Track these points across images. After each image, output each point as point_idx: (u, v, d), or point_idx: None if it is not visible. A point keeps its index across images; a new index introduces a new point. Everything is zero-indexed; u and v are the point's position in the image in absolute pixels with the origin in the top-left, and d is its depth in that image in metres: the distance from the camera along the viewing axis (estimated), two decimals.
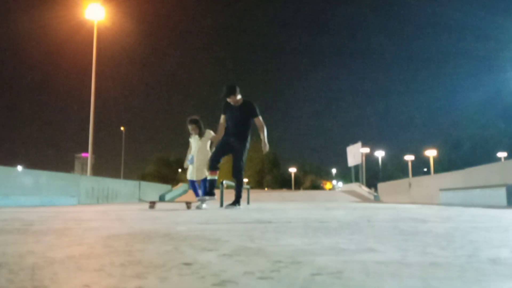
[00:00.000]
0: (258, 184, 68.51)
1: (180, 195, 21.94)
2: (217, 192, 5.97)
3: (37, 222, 2.68)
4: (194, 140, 6.16)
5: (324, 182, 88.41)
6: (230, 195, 6.13)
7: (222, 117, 5.85)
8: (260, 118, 5.78)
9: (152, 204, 5.73)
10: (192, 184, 6.25)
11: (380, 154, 58.84)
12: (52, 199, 9.79)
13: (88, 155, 18.91)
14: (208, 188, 5.78)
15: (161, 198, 18.71)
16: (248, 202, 9.25)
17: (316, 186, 79.10)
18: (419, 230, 2.00)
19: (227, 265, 0.95)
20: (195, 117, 6.19)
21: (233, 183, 6.09)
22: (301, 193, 32.94)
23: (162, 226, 2.27)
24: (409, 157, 53.72)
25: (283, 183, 77.26)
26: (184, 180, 6.43)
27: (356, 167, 43.12)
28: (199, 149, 6.05)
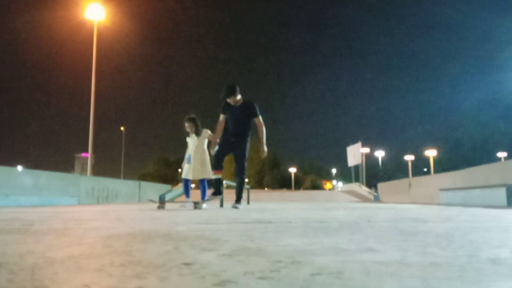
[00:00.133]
0: (258, 184, 68.53)
1: (180, 195, 21.94)
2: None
3: (37, 222, 2.68)
4: (191, 139, 6.14)
5: (324, 182, 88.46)
6: (230, 195, 6.14)
7: (222, 116, 5.85)
8: (260, 118, 5.78)
9: (162, 204, 5.74)
10: (186, 183, 6.24)
11: (380, 154, 58.91)
12: (52, 199, 9.79)
13: (88, 155, 18.91)
14: (214, 187, 5.81)
15: (161, 198, 18.71)
16: (248, 202, 9.25)
17: (316, 186, 79.13)
18: (419, 230, 2.00)
19: (227, 265, 0.95)
20: (192, 115, 6.18)
21: (232, 183, 6.09)
22: (301, 193, 32.96)
23: (162, 226, 2.27)
24: (409, 157, 53.72)
25: (283, 183, 77.28)
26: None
27: (356, 167, 43.18)
28: (196, 148, 6.02)
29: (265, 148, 5.93)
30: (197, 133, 6.03)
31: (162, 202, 5.76)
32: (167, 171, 70.38)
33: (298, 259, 1.03)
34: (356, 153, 42.40)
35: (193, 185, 6.80)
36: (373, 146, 59.78)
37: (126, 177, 50.98)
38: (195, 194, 6.41)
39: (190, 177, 5.98)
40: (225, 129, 5.87)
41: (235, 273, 0.86)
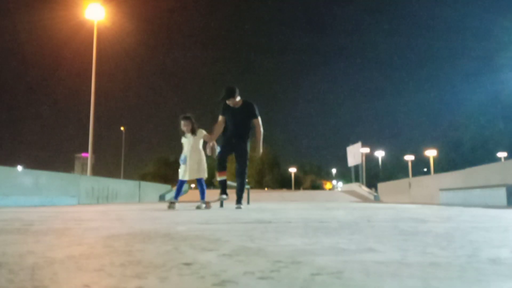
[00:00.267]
0: (258, 184, 68.53)
1: (180, 195, 21.92)
2: (216, 192, 5.99)
3: (37, 222, 2.68)
4: (186, 140, 6.12)
5: (324, 182, 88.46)
6: (230, 195, 6.13)
7: (221, 118, 5.84)
8: (259, 119, 5.79)
9: (172, 204, 5.75)
10: (180, 185, 6.23)
11: (380, 154, 58.94)
12: (52, 199, 9.79)
13: (88, 155, 18.91)
14: (221, 189, 5.81)
15: (161, 198, 18.72)
16: (248, 202, 9.25)
17: (316, 186, 79.15)
18: (419, 230, 2.00)
19: (227, 265, 0.95)
20: (188, 114, 6.18)
21: (233, 183, 6.09)
22: (301, 193, 32.96)
23: (162, 226, 2.27)
24: (409, 157, 53.80)
25: (283, 183, 77.31)
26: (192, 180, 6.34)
27: (356, 167, 43.14)
28: (192, 148, 6.01)
29: (261, 149, 5.95)
30: (193, 132, 6.00)
31: (172, 202, 5.79)
32: (167, 171, 70.32)
33: (298, 259, 1.03)
34: (356, 153, 42.38)
35: (193, 185, 6.79)
36: (373, 146, 59.90)
37: (126, 177, 51.06)
38: (195, 194, 6.41)
39: (186, 178, 5.96)
40: (225, 130, 5.86)
41: (235, 273, 0.86)
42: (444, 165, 47.79)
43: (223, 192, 5.79)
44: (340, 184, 69.79)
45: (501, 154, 48.74)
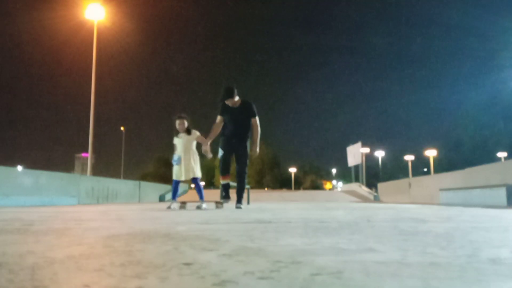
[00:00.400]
0: (258, 184, 68.50)
1: (180, 195, 21.95)
2: (216, 192, 6.00)
3: (37, 222, 2.68)
4: (179, 140, 6.11)
5: (324, 182, 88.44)
6: (230, 195, 6.13)
7: (219, 118, 5.83)
8: (257, 118, 5.79)
9: (183, 204, 5.76)
10: (176, 186, 6.24)
11: (380, 154, 58.86)
12: (52, 199, 9.79)
13: (88, 155, 18.91)
14: (224, 192, 5.81)
15: (161, 198, 18.73)
16: (248, 202, 9.25)
17: (316, 186, 79.10)
18: (419, 230, 2.00)
19: (227, 265, 0.95)
20: (183, 114, 6.19)
21: (233, 183, 6.09)
22: (301, 193, 32.95)
23: (162, 226, 2.27)
24: (409, 157, 53.75)
25: (283, 183, 77.27)
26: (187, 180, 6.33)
27: (356, 167, 43.11)
28: (185, 148, 6.00)
29: (258, 148, 5.95)
30: (188, 132, 6.00)
31: (183, 202, 5.83)
32: (167, 171, 70.24)
33: (298, 259, 1.03)
34: (356, 153, 42.36)
35: (193, 185, 6.78)
36: (373, 146, 59.73)
37: (126, 177, 51.05)
38: (195, 194, 6.40)
39: (182, 178, 5.97)
40: (223, 130, 5.85)
41: (235, 273, 0.86)
42: (444, 165, 47.75)
43: (226, 195, 5.79)
44: (340, 184, 69.80)
45: (501, 154, 48.71)
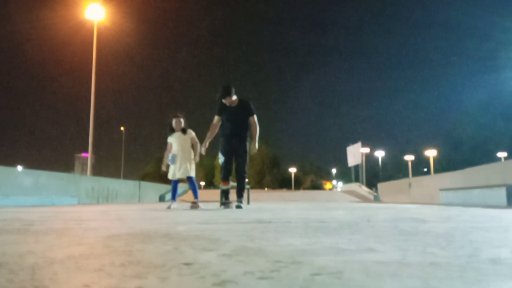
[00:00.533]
0: (258, 184, 68.50)
1: (180, 194, 21.95)
2: (215, 192, 6.02)
3: (37, 222, 2.68)
4: (174, 139, 6.11)
5: (324, 182, 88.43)
6: (230, 195, 6.13)
7: (216, 118, 5.82)
8: (255, 117, 5.79)
9: (194, 204, 5.76)
10: (175, 185, 6.23)
11: (380, 154, 58.84)
12: (52, 199, 9.79)
13: (88, 155, 18.91)
14: (223, 198, 5.81)
15: (161, 198, 18.72)
16: (248, 202, 9.25)
17: (316, 186, 79.11)
18: (419, 230, 2.00)
19: (227, 265, 0.95)
20: (179, 113, 6.19)
21: (233, 183, 6.09)
22: (301, 193, 32.96)
23: (162, 226, 2.27)
24: (409, 157, 53.69)
25: (283, 183, 77.26)
26: (183, 180, 6.35)
27: (356, 167, 43.12)
28: (181, 147, 6.00)
29: (256, 146, 5.93)
30: (184, 131, 6.00)
31: (194, 202, 5.87)
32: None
33: (298, 259, 1.03)
34: (356, 153, 42.37)
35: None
36: (373, 146, 59.65)
37: (126, 177, 51.03)
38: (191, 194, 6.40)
39: (178, 177, 5.98)
40: (221, 131, 5.84)
41: (235, 273, 0.86)
42: (444, 165, 47.74)
43: (227, 200, 5.77)
44: (340, 184, 69.75)
45: (501, 154, 48.71)
